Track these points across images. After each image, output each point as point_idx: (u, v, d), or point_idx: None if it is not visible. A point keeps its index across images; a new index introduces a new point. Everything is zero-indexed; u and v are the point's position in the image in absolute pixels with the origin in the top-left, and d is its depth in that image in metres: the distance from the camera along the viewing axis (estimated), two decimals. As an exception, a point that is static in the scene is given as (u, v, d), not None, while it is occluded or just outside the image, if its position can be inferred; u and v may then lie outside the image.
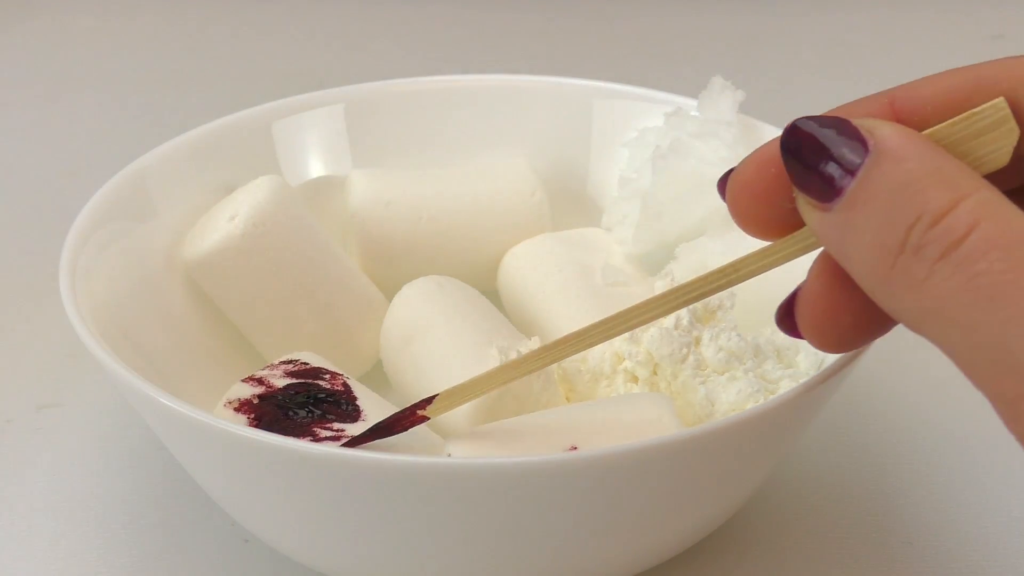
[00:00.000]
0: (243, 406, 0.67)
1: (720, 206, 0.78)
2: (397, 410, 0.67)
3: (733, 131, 0.79)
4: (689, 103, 0.82)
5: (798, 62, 1.22)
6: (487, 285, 0.81)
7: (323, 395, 0.66)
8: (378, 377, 0.77)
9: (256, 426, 0.65)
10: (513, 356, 0.69)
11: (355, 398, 0.67)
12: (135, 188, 0.77)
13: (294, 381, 0.68)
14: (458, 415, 0.69)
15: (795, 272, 0.75)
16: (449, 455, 0.62)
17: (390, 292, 0.77)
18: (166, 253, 0.77)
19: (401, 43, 1.26)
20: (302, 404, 0.65)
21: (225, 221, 0.75)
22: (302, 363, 0.69)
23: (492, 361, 0.69)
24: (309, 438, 0.64)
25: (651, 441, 0.57)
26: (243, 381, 0.68)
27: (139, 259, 0.75)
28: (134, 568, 0.71)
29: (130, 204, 0.76)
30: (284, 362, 0.69)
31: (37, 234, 0.99)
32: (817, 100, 1.15)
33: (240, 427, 0.58)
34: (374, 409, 0.66)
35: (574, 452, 0.57)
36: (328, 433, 0.64)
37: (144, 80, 1.21)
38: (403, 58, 1.24)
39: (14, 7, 1.31)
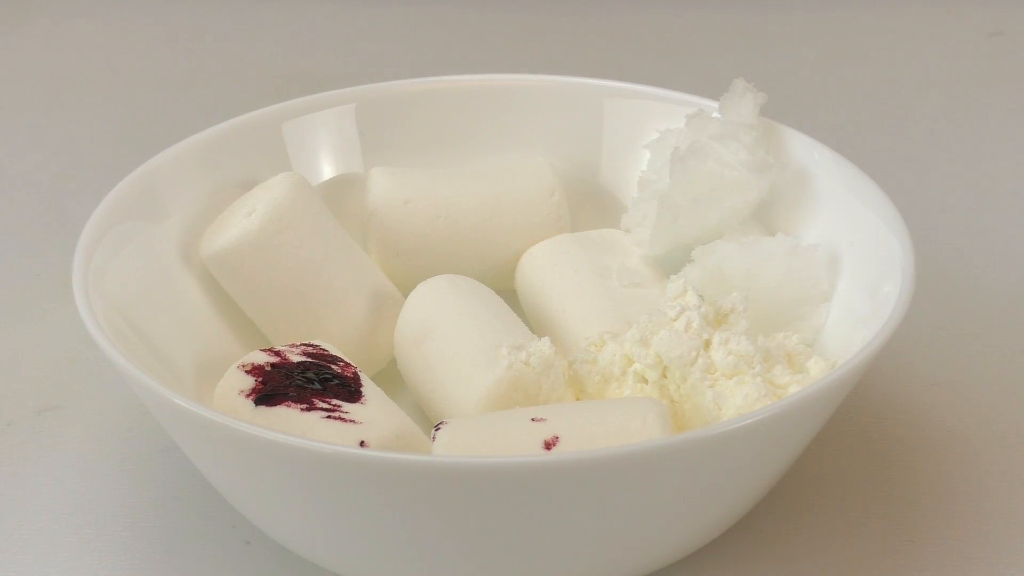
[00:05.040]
0: (255, 370, 0.71)
1: (738, 209, 0.78)
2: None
3: (753, 134, 0.79)
4: (711, 105, 0.82)
5: (796, 61, 1.22)
6: (505, 285, 0.82)
7: (330, 376, 0.70)
8: (393, 375, 0.78)
9: (261, 388, 0.69)
10: (523, 356, 0.70)
11: (361, 385, 0.70)
12: (147, 189, 0.78)
13: (309, 360, 0.71)
14: (467, 410, 0.71)
15: (809, 279, 0.76)
16: (433, 439, 0.65)
17: (408, 290, 0.78)
18: (178, 253, 0.79)
19: (411, 43, 1.27)
20: (310, 380, 0.69)
21: (243, 217, 0.77)
22: (321, 348, 0.73)
23: (503, 361, 0.69)
24: (305, 405, 0.68)
25: (622, 449, 0.59)
26: (261, 350, 0.72)
27: (151, 260, 0.77)
28: (135, 571, 0.72)
29: (142, 205, 0.78)
30: (305, 344, 0.73)
31: (38, 237, 0.99)
32: (817, 100, 1.16)
33: (255, 427, 0.61)
34: (375, 399, 0.69)
35: (551, 455, 0.59)
36: (325, 405, 0.68)
37: (153, 82, 1.22)
38: (413, 58, 1.24)
39: (17, 9, 1.32)
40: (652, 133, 0.84)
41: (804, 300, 0.76)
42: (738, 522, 0.71)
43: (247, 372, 0.71)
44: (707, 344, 0.70)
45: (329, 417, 0.67)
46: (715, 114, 0.81)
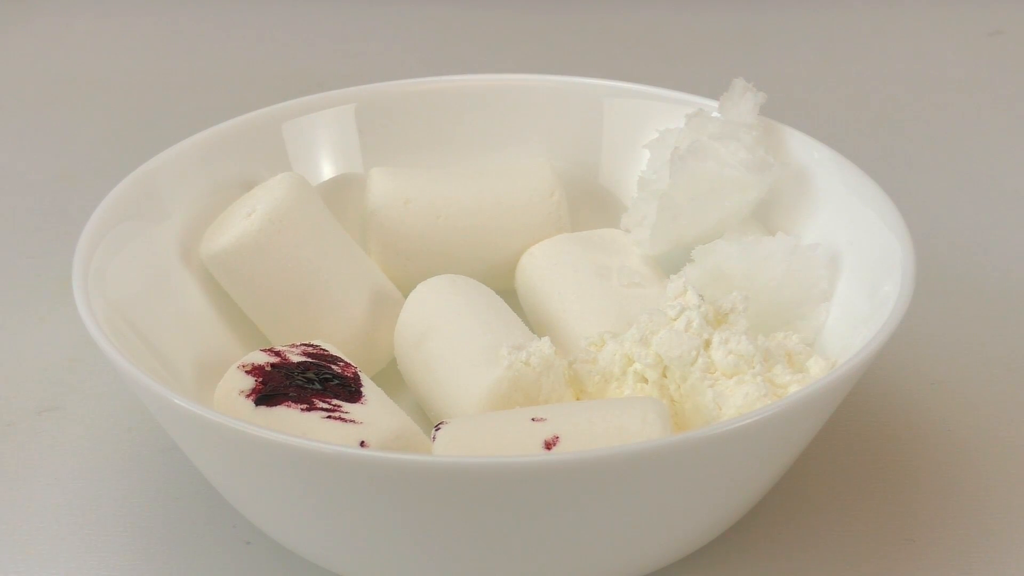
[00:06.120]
0: (255, 370, 0.71)
1: (737, 208, 0.78)
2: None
3: (753, 133, 0.79)
4: (711, 104, 0.83)
5: (796, 61, 1.22)
6: (505, 285, 0.82)
7: (330, 376, 0.70)
8: (393, 375, 0.78)
9: (261, 389, 0.69)
10: (523, 356, 0.70)
11: (361, 385, 0.70)
12: (147, 189, 0.79)
13: (309, 360, 0.71)
14: (468, 410, 0.71)
15: (809, 279, 0.76)
16: (433, 439, 0.65)
17: (408, 290, 0.78)
18: (178, 254, 0.79)
19: (411, 43, 1.27)
20: (310, 380, 0.70)
21: (243, 217, 0.77)
22: (321, 348, 0.73)
23: (503, 361, 0.70)
24: (305, 405, 0.68)
25: (622, 449, 0.60)
26: (261, 350, 0.72)
27: (151, 260, 0.77)
28: (135, 571, 0.73)
29: (142, 205, 0.78)
30: (305, 344, 0.73)
31: (38, 237, 0.99)
32: (817, 100, 1.16)
33: (255, 427, 0.61)
34: (375, 399, 0.70)
35: (551, 455, 0.60)
36: (325, 405, 0.68)
37: (153, 82, 1.22)
38: (413, 58, 1.24)
39: (17, 9, 1.32)
40: (652, 133, 0.84)
41: (804, 300, 0.76)
42: (738, 522, 0.71)
43: (247, 372, 0.71)
44: (707, 344, 0.71)
45: (329, 417, 0.67)
46: (715, 114, 0.81)
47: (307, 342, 0.73)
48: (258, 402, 0.69)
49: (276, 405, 0.68)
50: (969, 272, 0.93)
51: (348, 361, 0.72)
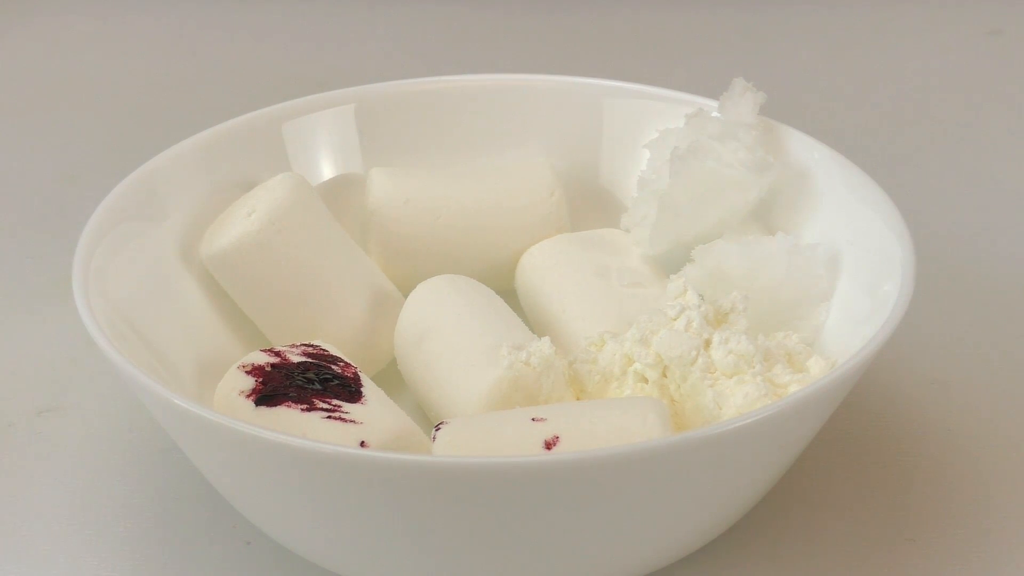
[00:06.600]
0: (255, 370, 0.71)
1: (737, 208, 0.78)
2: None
3: (753, 133, 0.79)
4: (710, 104, 0.83)
5: (797, 61, 1.22)
6: (505, 284, 0.82)
7: (331, 376, 0.70)
8: (393, 375, 0.78)
9: (261, 389, 0.69)
10: (523, 356, 0.70)
11: (361, 385, 0.70)
12: (147, 189, 0.79)
13: (309, 360, 0.71)
14: (468, 411, 0.71)
15: (809, 279, 0.76)
16: (434, 439, 0.65)
17: (408, 290, 0.79)
18: (178, 254, 0.79)
19: (411, 43, 1.27)
20: (310, 380, 0.70)
21: (243, 217, 0.77)
22: (321, 348, 0.73)
23: (503, 361, 0.70)
24: (305, 406, 0.68)
25: (622, 449, 0.60)
26: (261, 351, 0.72)
27: (151, 260, 0.77)
28: (135, 571, 0.73)
29: (142, 206, 0.78)
30: (305, 344, 0.73)
31: (38, 237, 0.99)
32: (817, 100, 1.16)
33: (255, 427, 0.61)
34: (375, 399, 0.70)
35: (551, 454, 0.60)
36: (325, 405, 0.68)
37: (153, 82, 1.22)
38: (413, 58, 1.24)
39: (16, 9, 1.32)
40: (652, 132, 0.84)
41: (804, 299, 0.76)
42: (738, 522, 0.71)
43: (247, 372, 0.71)
44: (707, 343, 0.71)
45: (329, 417, 0.67)
46: (715, 113, 0.81)
47: (307, 342, 0.73)
48: (258, 402, 0.69)
49: (276, 405, 0.68)
50: (969, 272, 0.93)
51: (348, 361, 0.72)
